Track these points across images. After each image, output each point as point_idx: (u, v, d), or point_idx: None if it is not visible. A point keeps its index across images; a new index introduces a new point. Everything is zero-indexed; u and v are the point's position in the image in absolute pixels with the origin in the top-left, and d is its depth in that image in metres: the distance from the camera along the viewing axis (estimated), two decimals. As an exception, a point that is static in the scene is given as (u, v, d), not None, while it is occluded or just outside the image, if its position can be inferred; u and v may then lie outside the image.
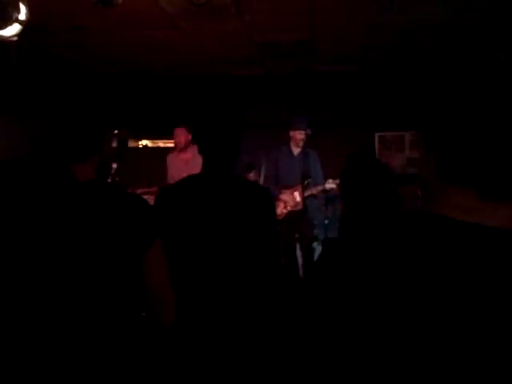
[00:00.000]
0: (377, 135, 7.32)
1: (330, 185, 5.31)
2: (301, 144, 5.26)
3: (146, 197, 1.64)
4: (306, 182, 5.20)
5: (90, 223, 1.39)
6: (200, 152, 2.05)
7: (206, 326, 1.92)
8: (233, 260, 1.95)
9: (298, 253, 5.26)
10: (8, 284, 1.33)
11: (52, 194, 1.38)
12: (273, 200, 2.21)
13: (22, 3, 3.18)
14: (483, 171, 0.79)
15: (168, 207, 1.99)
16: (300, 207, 5.18)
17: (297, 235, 5.25)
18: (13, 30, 3.19)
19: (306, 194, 5.19)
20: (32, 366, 1.32)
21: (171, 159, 5.80)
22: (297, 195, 5.25)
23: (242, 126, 2.08)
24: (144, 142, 7.26)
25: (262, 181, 5.44)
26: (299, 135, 5.26)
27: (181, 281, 1.86)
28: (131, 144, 7.19)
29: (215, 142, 2.02)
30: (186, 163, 5.39)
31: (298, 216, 5.21)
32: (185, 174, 2.11)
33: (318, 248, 5.62)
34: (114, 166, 4.58)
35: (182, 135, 5.64)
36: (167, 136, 7.38)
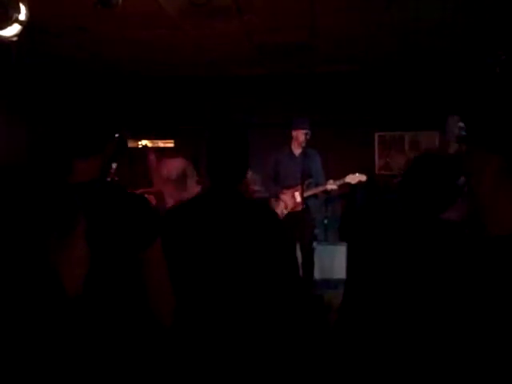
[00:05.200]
0: (376, 135, 7.31)
1: (331, 185, 5.32)
2: (303, 144, 5.27)
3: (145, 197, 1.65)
4: (306, 182, 5.20)
5: (88, 222, 1.40)
6: (207, 172, 2.05)
7: (208, 333, 1.90)
8: (242, 283, 1.93)
9: (298, 253, 5.26)
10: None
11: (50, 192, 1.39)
12: (280, 220, 2.21)
13: (22, 3, 3.19)
14: None
15: (175, 229, 1.97)
16: (300, 207, 5.18)
17: (297, 235, 5.26)
18: (13, 30, 3.20)
19: (307, 194, 5.20)
20: (28, 364, 1.32)
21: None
22: (297, 195, 5.26)
23: (249, 147, 2.09)
24: (143, 142, 7.26)
25: (259, 180, 5.44)
26: (302, 135, 5.26)
27: (186, 305, 1.83)
28: (131, 144, 7.18)
29: (222, 163, 2.01)
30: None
31: (298, 216, 5.21)
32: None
33: (317, 248, 5.63)
34: (114, 165, 4.57)
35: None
36: (167, 136, 7.39)
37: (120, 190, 1.54)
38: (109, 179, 4.50)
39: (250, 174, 6.00)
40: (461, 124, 4.94)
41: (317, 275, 5.52)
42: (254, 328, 1.93)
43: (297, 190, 5.26)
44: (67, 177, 1.48)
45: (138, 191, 4.92)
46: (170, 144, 7.35)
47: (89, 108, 1.51)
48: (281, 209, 5.27)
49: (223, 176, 2.01)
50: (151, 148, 5.83)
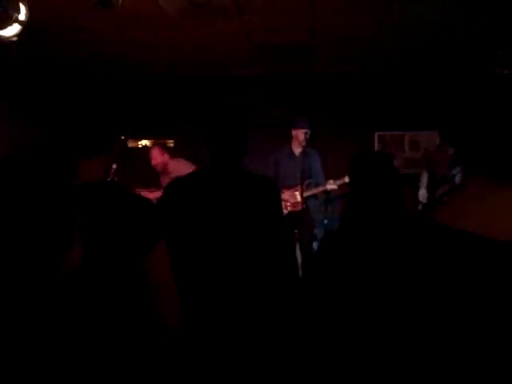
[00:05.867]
0: (376, 135, 7.32)
1: (331, 185, 5.32)
2: (303, 144, 5.26)
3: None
4: (306, 182, 5.20)
5: (92, 223, 1.39)
6: (206, 147, 2.07)
7: (212, 324, 1.91)
8: (240, 252, 1.95)
9: (298, 252, 5.27)
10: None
11: (54, 192, 1.39)
12: (279, 191, 2.22)
13: (22, 3, 3.19)
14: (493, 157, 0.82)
15: (176, 200, 1.99)
16: (300, 207, 5.18)
17: (296, 235, 5.26)
18: (13, 30, 3.20)
19: (307, 194, 5.20)
20: (30, 364, 1.32)
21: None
22: (297, 195, 5.26)
23: (248, 122, 2.10)
24: (143, 142, 7.27)
25: None
26: (302, 134, 5.26)
27: (186, 275, 1.85)
28: (131, 144, 7.19)
29: (219, 136, 2.03)
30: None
31: (298, 216, 5.21)
32: None
33: (317, 248, 5.63)
34: (114, 166, 4.57)
35: (158, 156, 5.55)
36: (167, 136, 7.39)
37: (124, 192, 1.54)
38: (109, 179, 4.50)
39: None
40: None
41: (317, 275, 5.52)
42: (253, 316, 1.94)
43: (296, 190, 5.26)
44: (72, 178, 1.48)
45: (137, 191, 4.94)
46: (169, 144, 7.36)
47: (96, 108, 1.52)
48: (281, 209, 5.27)
49: (222, 150, 2.02)
50: (154, 144, 5.93)
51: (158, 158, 5.55)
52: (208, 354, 1.89)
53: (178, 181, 2.11)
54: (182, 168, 5.38)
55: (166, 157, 5.58)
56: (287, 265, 2.07)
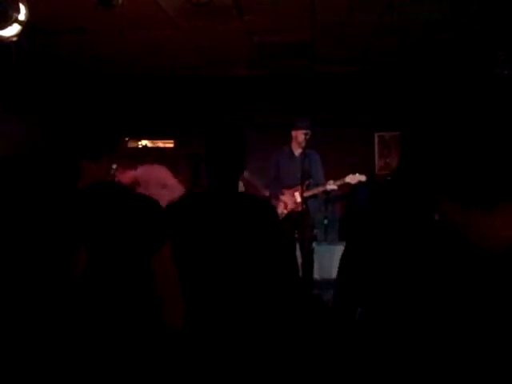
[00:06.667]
0: (376, 135, 7.32)
1: (331, 186, 5.32)
2: (303, 144, 5.26)
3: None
4: (306, 182, 5.21)
5: (100, 223, 1.40)
6: (206, 172, 2.11)
7: (214, 329, 1.92)
8: (240, 274, 1.97)
9: (298, 253, 5.27)
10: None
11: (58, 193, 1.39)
12: (275, 210, 2.27)
13: (22, 3, 3.19)
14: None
15: (174, 223, 2.00)
16: (300, 208, 5.18)
17: (296, 235, 5.26)
18: (12, 30, 3.20)
19: (307, 194, 5.20)
20: (31, 362, 1.32)
21: None
22: (297, 196, 5.26)
23: (245, 147, 2.15)
24: (143, 142, 7.26)
25: (257, 180, 5.45)
26: (301, 135, 5.26)
27: (189, 295, 1.86)
28: (131, 144, 7.19)
29: (219, 163, 2.08)
30: None
31: (298, 216, 5.21)
32: None
33: (317, 248, 5.63)
34: (114, 166, 4.54)
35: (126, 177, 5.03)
36: (167, 136, 7.39)
37: (128, 192, 1.55)
38: (110, 179, 4.48)
39: (247, 175, 6.01)
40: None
41: (316, 275, 5.52)
42: (253, 321, 1.95)
43: (297, 191, 5.26)
44: (75, 180, 1.48)
45: (138, 191, 4.92)
46: (169, 144, 7.35)
47: (104, 110, 1.52)
48: (281, 209, 5.27)
49: (220, 176, 2.06)
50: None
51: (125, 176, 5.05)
52: (209, 357, 1.90)
53: (177, 203, 2.13)
54: (150, 171, 5.15)
55: (128, 172, 5.10)
56: (292, 283, 2.10)
